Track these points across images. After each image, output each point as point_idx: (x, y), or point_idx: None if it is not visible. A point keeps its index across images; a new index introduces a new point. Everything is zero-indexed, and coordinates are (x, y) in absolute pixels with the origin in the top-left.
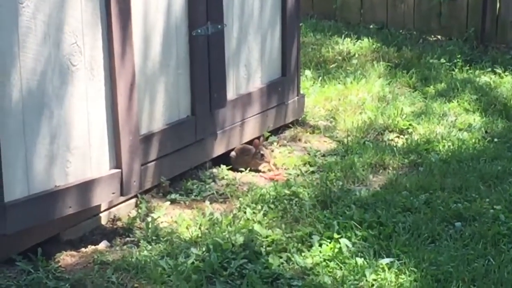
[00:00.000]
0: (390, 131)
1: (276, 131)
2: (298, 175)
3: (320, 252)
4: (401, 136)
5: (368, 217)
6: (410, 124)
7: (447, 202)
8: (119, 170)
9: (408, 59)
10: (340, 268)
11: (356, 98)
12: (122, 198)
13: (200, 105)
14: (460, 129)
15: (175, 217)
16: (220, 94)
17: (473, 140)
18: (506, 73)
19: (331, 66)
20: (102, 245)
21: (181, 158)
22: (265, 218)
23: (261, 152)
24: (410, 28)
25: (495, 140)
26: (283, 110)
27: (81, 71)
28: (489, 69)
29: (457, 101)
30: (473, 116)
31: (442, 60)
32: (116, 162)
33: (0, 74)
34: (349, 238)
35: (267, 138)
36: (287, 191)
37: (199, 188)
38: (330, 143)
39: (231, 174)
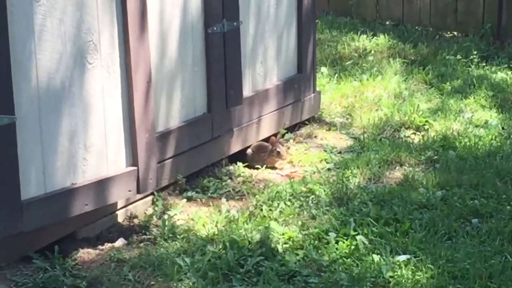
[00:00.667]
0: (407, 128)
1: (292, 128)
2: (314, 172)
3: (336, 249)
4: (418, 133)
5: (385, 214)
6: (426, 121)
7: (463, 198)
8: (136, 167)
9: (424, 55)
10: (357, 265)
11: (372, 95)
12: (138, 196)
13: (216, 102)
14: (476, 126)
15: (191, 215)
16: (236, 91)
17: (490, 137)
18: None
19: (347, 63)
20: (119, 243)
21: (197, 155)
22: (282, 215)
23: (278, 149)
24: (426, 25)
25: None
26: (299, 107)
27: (97, 68)
28: (506, 65)
29: (474, 98)
30: (489, 113)
31: (458, 57)
32: (133, 159)
33: (16, 71)
34: (365, 235)
35: (283, 135)
36: (303, 188)
37: (215, 186)
38: (346, 140)
39: (247, 171)
